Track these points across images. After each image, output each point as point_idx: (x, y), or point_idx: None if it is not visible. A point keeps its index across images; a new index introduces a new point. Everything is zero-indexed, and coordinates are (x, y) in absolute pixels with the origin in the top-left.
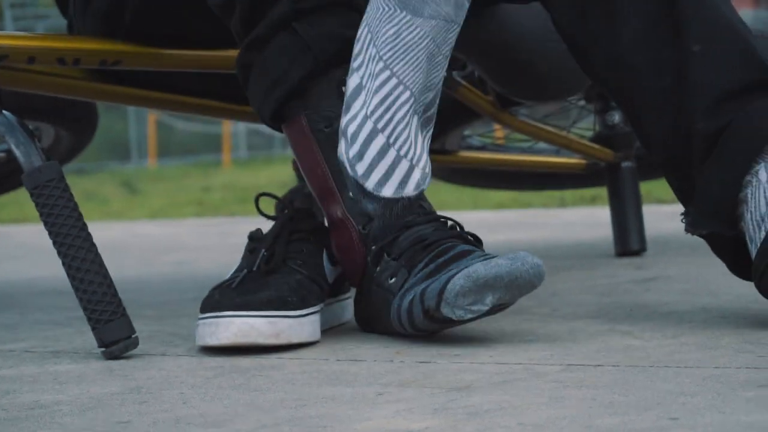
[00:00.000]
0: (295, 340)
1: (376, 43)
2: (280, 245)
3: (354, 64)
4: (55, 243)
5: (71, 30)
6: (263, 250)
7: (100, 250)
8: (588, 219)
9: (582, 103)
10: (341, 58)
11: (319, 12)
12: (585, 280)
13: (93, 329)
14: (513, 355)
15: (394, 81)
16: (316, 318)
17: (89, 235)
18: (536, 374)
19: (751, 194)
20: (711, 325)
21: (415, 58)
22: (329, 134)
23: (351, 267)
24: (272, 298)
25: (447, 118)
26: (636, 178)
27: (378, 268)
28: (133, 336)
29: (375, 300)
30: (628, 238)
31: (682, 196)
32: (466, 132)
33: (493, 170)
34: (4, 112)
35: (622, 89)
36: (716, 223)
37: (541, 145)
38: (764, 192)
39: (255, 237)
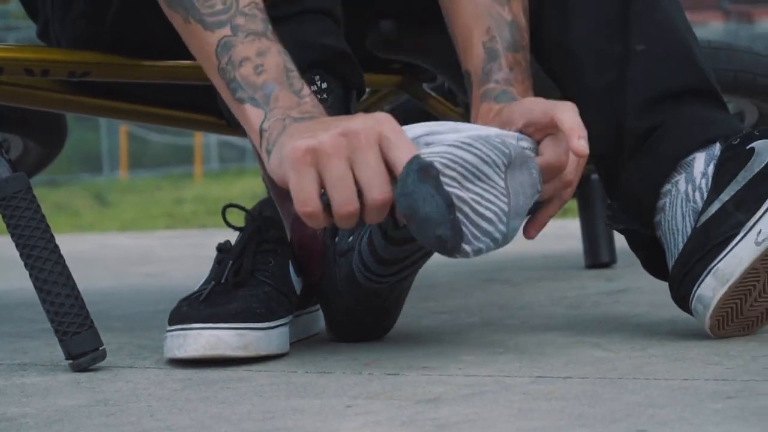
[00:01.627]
0: (263, 352)
1: None
2: (247, 257)
3: None
4: (22, 255)
5: (44, 37)
6: (230, 262)
7: (70, 262)
8: (558, 230)
9: None
10: (317, 63)
11: (294, 19)
12: (554, 292)
13: (60, 341)
14: (482, 367)
15: None
16: (284, 330)
17: (56, 247)
18: (505, 386)
19: (669, 203)
20: (679, 338)
21: None
22: None
23: (313, 260)
24: (240, 311)
25: None
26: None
27: (336, 239)
28: (100, 348)
29: (341, 272)
30: (598, 251)
31: (609, 189)
32: None
33: None
34: None
35: (567, 79)
36: (634, 221)
37: None
38: (681, 202)
39: (223, 248)
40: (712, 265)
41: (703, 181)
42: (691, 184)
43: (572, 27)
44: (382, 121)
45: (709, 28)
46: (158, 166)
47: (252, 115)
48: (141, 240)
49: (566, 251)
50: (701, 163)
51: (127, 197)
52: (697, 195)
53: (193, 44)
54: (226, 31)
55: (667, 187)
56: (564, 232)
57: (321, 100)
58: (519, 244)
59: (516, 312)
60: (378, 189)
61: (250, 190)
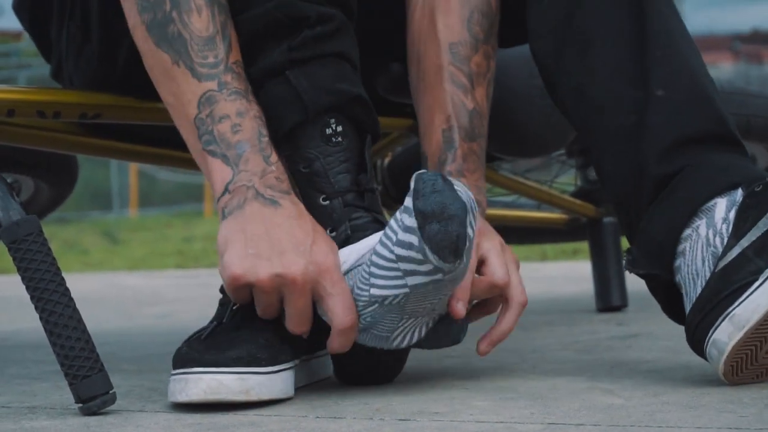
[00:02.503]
0: (265, 397)
1: None
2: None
3: None
4: (32, 298)
5: (57, 77)
6: (232, 303)
7: (79, 302)
8: (569, 273)
9: (563, 158)
10: (332, 110)
11: (312, 63)
12: (566, 336)
13: (70, 385)
14: (494, 413)
15: None
16: (288, 374)
17: (67, 290)
18: None
19: (690, 248)
20: (693, 384)
21: None
22: (307, 174)
23: None
24: (242, 355)
25: None
26: (617, 233)
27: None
28: (110, 392)
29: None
30: (610, 294)
31: (629, 234)
32: None
33: None
34: None
35: (585, 123)
36: (654, 266)
37: (523, 199)
38: (702, 247)
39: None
40: (729, 310)
41: (724, 227)
42: (712, 229)
43: (591, 71)
44: (323, 273)
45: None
46: (168, 203)
47: (220, 171)
48: (150, 280)
49: (577, 294)
50: (722, 209)
51: (137, 235)
52: (718, 240)
53: (171, 87)
54: (213, 85)
55: (688, 231)
56: (575, 275)
57: (336, 144)
58: (529, 287)
59: (527, 356)
60: (297, 326)
61: None
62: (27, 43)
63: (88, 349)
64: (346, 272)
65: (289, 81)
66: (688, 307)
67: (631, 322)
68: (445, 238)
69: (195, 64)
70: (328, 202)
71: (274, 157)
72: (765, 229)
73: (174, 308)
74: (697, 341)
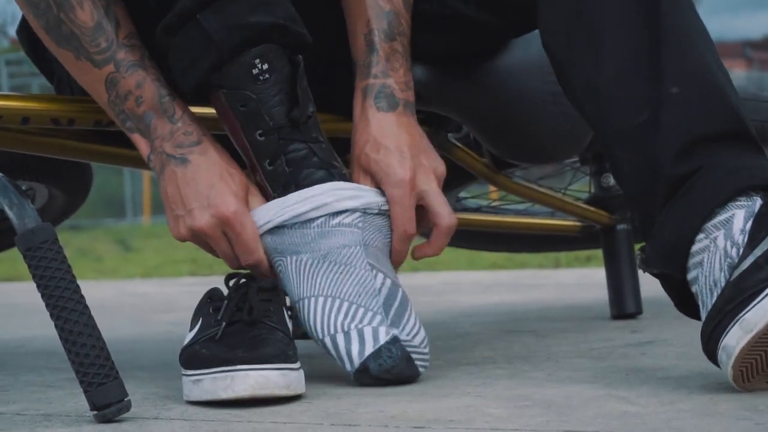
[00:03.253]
0: (300, 391)
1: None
2: (254, 300)
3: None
4: (48, 305)
5: (59, 92)
6: (230, 303)
7: (93, 310)
8: (583, 280)
9: (577, 165)
10: (247, 45)
11: (221, 1)
12: (581, 343)
13: (85, 392)
14: (509, 421)
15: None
16: (302, 371)
17: (82, 297)
18: None
19: (708, 259)
20: (708, 391)
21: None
22: (246, 113)
23: None
24: (277, 352)
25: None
26: (631, 240)
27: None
28: (125, 399)
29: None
30: (624, 301)
31: (644, 232)
32: (462, 194)
33: (489, 232)
34: None
35: (599, 119)
36: (667, 265)
37: (537, 207)
38: (720, 259)
39: (216, 296)
40: (739, 316)
41: (741, 238)
42: (730, 241)
43: (603, 68)
44: (225, 220)
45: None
46: None
47: (142, 146)
48: (164, 287)
49: (591, 301)
50: (740, 220)
51: (151, 242)
52: (734, 251)
53: (84, 80)
54: (111, 67)
55: (706, 242)
56: (589, 282)
57: (264, 81)
58: (543, 295)
59: (542, 363)
60: (233, 264)
61: None
62: None
63: (103, 356)
64: (269, 230)
65: (200, 23)
66: (703, 316)
67: (645, 329)
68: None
69: (91, 54)
70: (264, 138)
71: (178, 113)
72: None
73: (188, 316)
74: (711, 350)
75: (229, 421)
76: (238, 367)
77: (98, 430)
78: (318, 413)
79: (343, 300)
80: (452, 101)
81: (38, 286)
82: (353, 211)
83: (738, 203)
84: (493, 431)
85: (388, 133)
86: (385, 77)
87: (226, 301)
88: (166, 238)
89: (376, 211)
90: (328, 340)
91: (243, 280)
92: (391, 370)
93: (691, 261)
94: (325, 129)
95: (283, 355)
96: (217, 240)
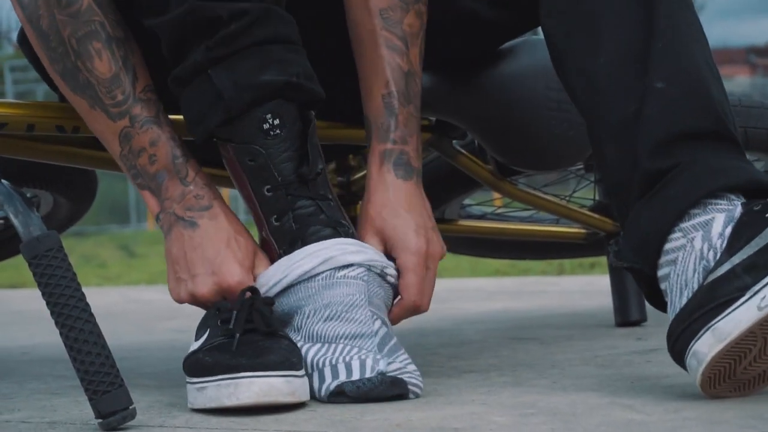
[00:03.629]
0: (304, 398)
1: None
2: (265, 311)
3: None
4: (52, 313)
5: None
6: (240, 314)
7: (97, 316)
8: (587, 287)
9: (582, 172)
10: (257, 103)
11: (232, 58)
12: (585, 351)
13: (90, 400)
14: (514, 429)
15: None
16: (306, 378)
17: (87, 305)
18: None
19: (682, 258)
20: (714, 399)
21: None
22: (254, 168)
23: None
24: (281, 359)
25: (447, 187)
26: None
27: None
28: (130, 407)
29: None
30: (629, 309)
31: (621, 222)
32: (466, 201)
33: (493, 239)
34: (2, 180)
35: (589, 108)
36: (638, 260)
37: (541, 214)
38: (695, 260)
39: (224, 308)
40: (712, 323)
41: (719, 242)
42: (707, 243)
43: (598, 56)
44: (227, 291)
45: (735, 81)
46: None
47: (152, 204)
48: (168, 294)
49: (595, 308)
50: (720, 224)
51: (155, 248)
52: (711, 254)
53: (97, 129)
54: (126, 122)
55: (683, 241)
56: (593, 289)
57: (275, 136)
58: (547, 302)
59: (546, 371)
60: None
61: None
62: None
63: (108, 364)
64: (282, 290)
65: (211, 79)
66: (671, 316)
67: (650, 336)
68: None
69: (107, 105)
70: (271, 193)
71: (191, 175)
72: (757, 248)
73: (193, 323)
74: (678, 351)
75: (234, 429)
76: (243, 374)
77: None
78: (323, 421)
79: (339, 342)
80: (457, 108)
81: (43, 294)
82: (359, 265)
83: (718, 206)
84: None
85: (407, 202)
86: (404, 144)
87: (235, 312)
88: None
89: (378, 271)
90: (315, 375)
91: (248, 293)
92: (369, 393)
93: (664, 258)
94: (323, 136)
95: (287, 362)
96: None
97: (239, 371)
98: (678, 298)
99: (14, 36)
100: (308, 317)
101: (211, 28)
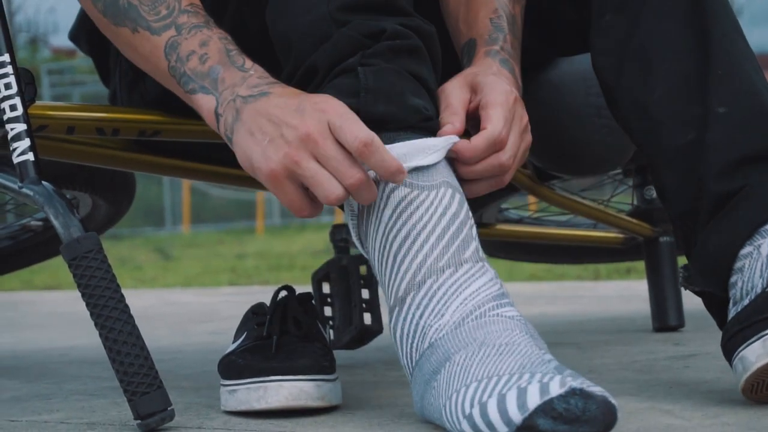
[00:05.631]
0: (335, 402)
1: None
2: (300, 315)
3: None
4: (92, 314)
5: (113, 101)
6: (273, 317)
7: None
8: (623, 292)
9: (620, 177)
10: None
11: (387, 69)
12: (623, 356)
13: (129, 401)
14: None
15: None
16: (339, 382)
17: (127, 306)
18: None
19: (749, 265)
20: (753, 405)
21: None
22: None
23: None
24: (312, 363)
25: None
26: (674, 253)
27: None
28: (169, 408)
29: None
30: (666, 314)
31: (687, 250)
32: (504, 205)
33: (530, 243)
34: (43, 182)
35: (645, 137)
36: (709, 283)
37: (579, 218)
38: (761, 266)
39: (260, 311)
40: (764, 332)
41: None
42: None
43: (653, 86)
44: (327, 109)
45: None
46: (221, 220)
47: (204, 103)
48: (204, 297)
49: (633, 313)
50: None
51: (190, 251)
52: None
53: (143, 52)
54: (172, 32)
55: (749, 249)
56: (630, 294)
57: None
58: (584, 307)
59: (584, 376)
60: (348, 175)
61: (311, 245)
62: (81, 60)
63: (147, 365)
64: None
65: (357, 75)
66: (731, 314)
67: (688, 341)
68: None
69: (150, 22)
70: None
71: (248, 63)
72: None
73: (228, 325)
74: (728, 350)
75: (272, 431)
76: (272, 378)
77: None
78: (361, 423)
79: (502, 375)
80: None
81: (83, 296)
82: (512, 305)
83: None
84: None
85: (503, 76)
86: (509, 56)
87: (269, 315)
88: (205, 247)
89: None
90: (476, 413)
91: (283, 292)
92: (580, 417)
93: (734, 276)
94: None
95: (317, 366)
96: (323, 140)
97: (269, 374)
98: (741, 300)
99: (52, 40)
100: (459, 363)
101: (373, 40)
